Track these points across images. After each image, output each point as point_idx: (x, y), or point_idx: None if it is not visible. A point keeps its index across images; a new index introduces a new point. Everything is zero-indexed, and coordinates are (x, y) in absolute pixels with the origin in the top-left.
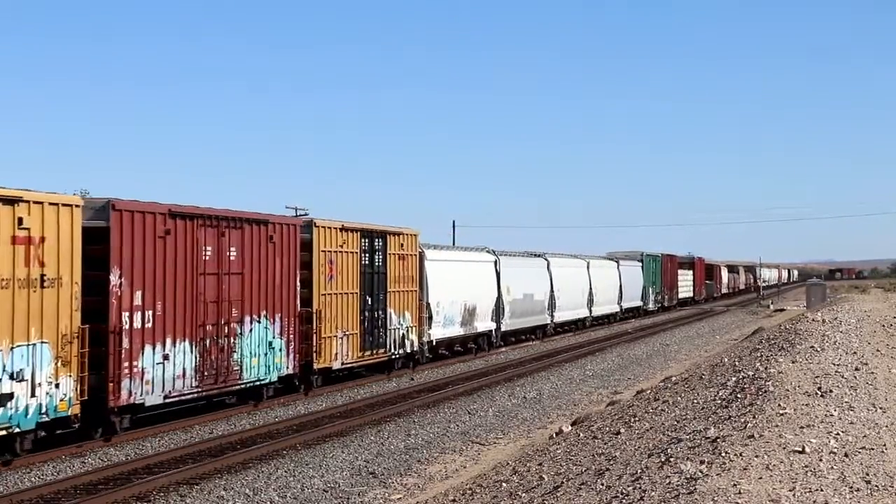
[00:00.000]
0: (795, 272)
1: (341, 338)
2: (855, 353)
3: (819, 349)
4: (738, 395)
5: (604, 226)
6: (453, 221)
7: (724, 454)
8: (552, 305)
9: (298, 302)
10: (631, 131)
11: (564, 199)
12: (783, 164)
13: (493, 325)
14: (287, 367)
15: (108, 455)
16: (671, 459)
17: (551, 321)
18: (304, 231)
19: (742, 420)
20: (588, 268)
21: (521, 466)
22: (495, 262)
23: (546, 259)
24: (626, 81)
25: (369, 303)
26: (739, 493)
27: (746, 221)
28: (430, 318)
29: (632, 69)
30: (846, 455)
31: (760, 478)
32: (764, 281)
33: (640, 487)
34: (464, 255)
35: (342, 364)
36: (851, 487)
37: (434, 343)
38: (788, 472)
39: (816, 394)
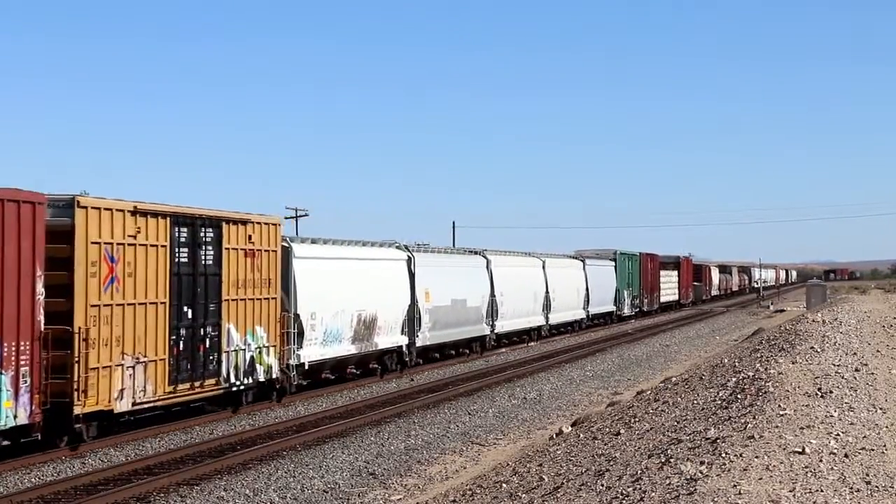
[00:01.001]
0: (794, 273)
1: (132, 367)
2: (855, 353)
3: (819, 350)
4: (739, 396)
5: (605, 226)
6: (453, 222)
7: (724, 455)
8: (492, 313)
9: (41, 317)
10: (631, 132)
11: (565, 200)
12: (783, 164)
13: (403, 340)
14: (16, 416)
15: (108, 455)
16: (671, 460)
17: (491, 332)
18: (59, 213)
19: (742, 421)
20: (544, 268)
21: (522, 467)
22: (409, 261)
23: (485, 257)
24: (627, 81)
25: (189, 316)
26: (739, 493)
27: (746, 222)
28: (301, 333)
29: (632, 70)
30: (846, 456)
31: (760, 478)
32: (764, 282)
33: (640, 488)
34: (357, 251)
35: (136, 404)
36: (851, 488)
37: (308, 366)
38: (788, 472)
39: (816, 395)
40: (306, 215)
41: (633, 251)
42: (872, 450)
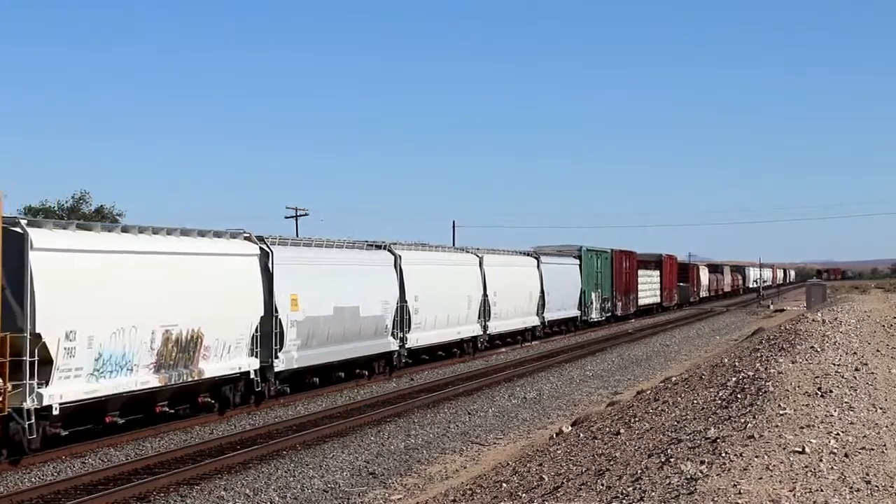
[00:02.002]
0: (792, 272)
1: None
2: (855, 353)
3: (819, 349)
4: (739, 396)
5: (606, 226)
6: (453, 222)
7: (724, 454)
8: (401, 323)
9: None
10: (631, 132)
11: (566, 200)
12: (783, 164)
13: (251, 364)
14: None
15: (108, 455)
16: (671, 460)
17: (402, 347)
18: None
19: (742, 420)
20: (481, 266)
21: (522, 467)
22: (264, 257)
23: (393, 252)
24: (627, 81)
25: None
26: (739, 493)
27: (745, 222)
28: (50, 362)
29: (632, 70)
30: (846, 455)
31: (760, 478)
32: (764, 282)
33: (640, 488)
34: (164, 242)
35: None
36: (851, 488)
37: (60, 410)
38: (788, 472)
39: (816, 394)
40: (306, 215)
41: (603, 247)
42: (872, 449)
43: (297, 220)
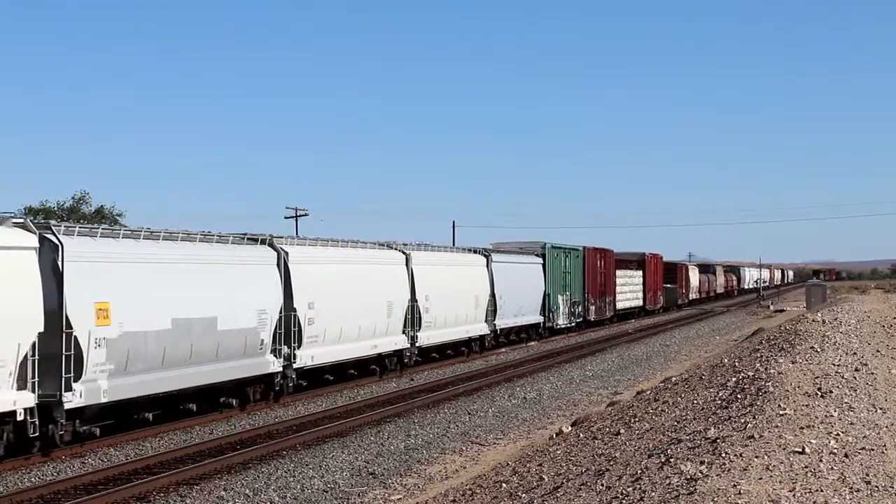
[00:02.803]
0: (791, 273)
1: None
2: (855, 353)
3: (819, 350)
4: (738, 396)
5: (607, 226)
6: (453, 222)
7: (724, 455)
8: (289, 336)
9: None
10: (631, 132)
11: (566, 200)
12: (783, 164)
13: (23, 400)
14: None
15: (107, 455)
16: (671, 460)
17: (289, 367)
18: None
19: (742, 421)
20: (408, 264)
21: (521, 467)
22: (52, 251)
23: (276, 248)
24: (627, 81)
25: None
26: (739, 493)
27: (745, 222)
28: None
29: (632, 70)
30: (846, 456)
31: (760, 478)
32: (763, 282)
33: (640, 488)
34: None
35: None
36: (851, 488)
37: None
38: (788, 472)
39: (816, 394)
40: (306, 215)
41: (573, 245)
42: (872, 450)
43: (296, 221)
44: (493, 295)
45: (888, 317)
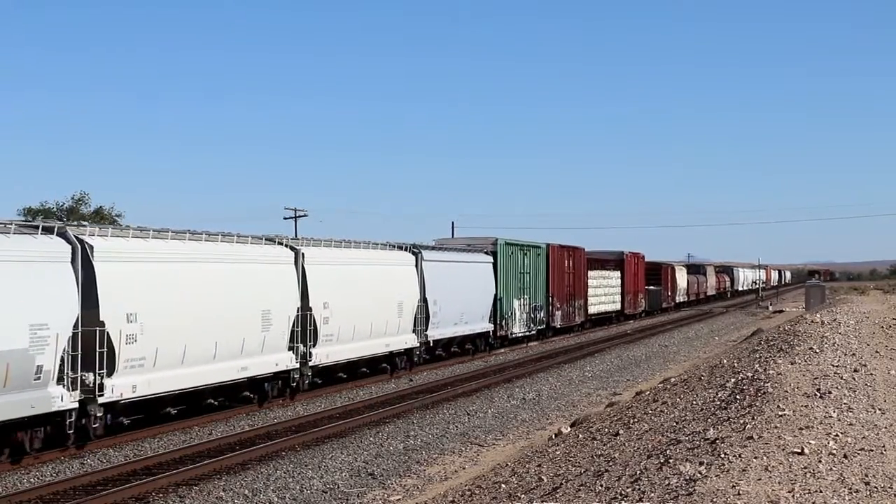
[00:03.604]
0: (788, 273)
1: None
2: (854, 354)
3: (818, 351)
4: (738, 397)
5: (609, 227)
6: (452, 222)
7: (723, 455)
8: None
9: None
10: (631, 132)
11: (566, 200)
12: (783, 164)
13: None
14: None
15: (107, 456)
16: (670, 461)
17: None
18: None
19: (741, 421)
20: (299, 263)
21: (520, 468)
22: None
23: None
24: (627, 81)
25: None
26: (738, 494)
27: (744, 223)
28: None
29: (632, 70)
30: (845, 456)
31: (759, 479)
32: (763, 283)
33: (639, 489)
34: None
35: None
36: (850, 489)
37: None
38: (787, 473)
39: (815, 395)
40: (305, 216)
41: (533, 242)
42: (871, 450)
43: (295, 221)
44: (423, 300)
45: (887, 317)
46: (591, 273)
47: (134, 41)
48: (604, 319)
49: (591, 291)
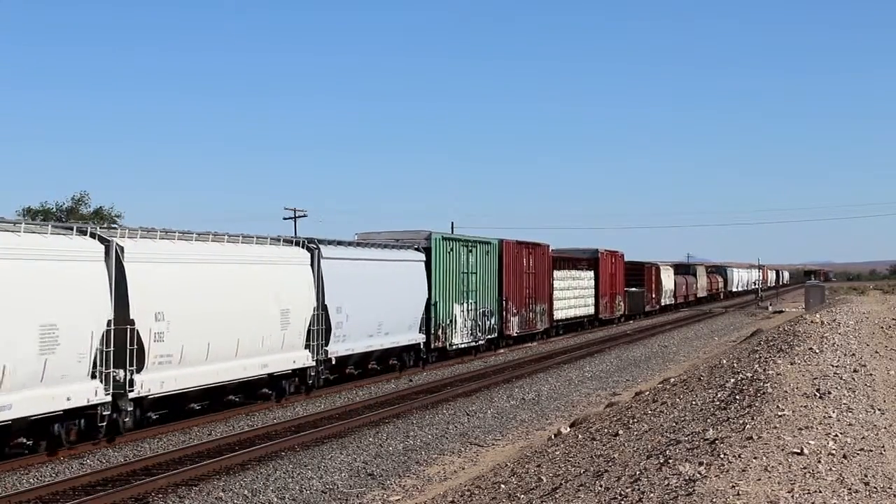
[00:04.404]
0: (786, 273)
1: None
2: (853, 354)
3: (818, 351)
4: (737, 397)
5: (612, 227)
6: (451, 223)
7: (722, 456)
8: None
9: None
10: (631, 132)
11: (568, 200)
12: (782, 164)
13: None
14: None
15: (106, 456)
16: (670, 461)
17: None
18: None
19: (741, 421)
20: (112, 261)
21: (520, 468)
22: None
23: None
24: (627, 81)
25: None
26: (738, 494)
27: (743, 223)
28: None
29: (632, 70)
30: (845, 457)
31: (759, 479)
32: (761, 283)
33: (638, 489)
34: None
35: None
36: (850, 489)
37: None
38: (787, 473)
39: (815, 395)
40: (304, 216)
41: (482, 237)
42: (871, 451)
43: (295, 222)
44: (323, 307)
45: (887, 318)
46: (557, 273)
47: (134, 41)
48: (575, 325)
49: (557, 294)
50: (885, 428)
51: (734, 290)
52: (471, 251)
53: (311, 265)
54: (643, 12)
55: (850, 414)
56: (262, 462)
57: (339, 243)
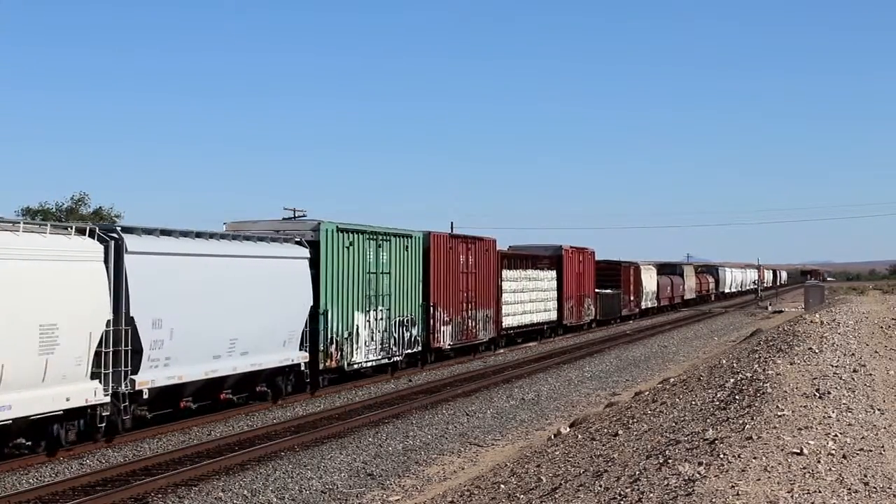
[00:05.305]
0: (784, 273)
1: None
2: (853, 354)
3: (817, 351)
4: (737, 397)
5: (612, 227)
6: (451, 223)
7: (722, 456)
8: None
9: None
10: (631, 132)
11: (568, 200)
12: (782, 164)
13: None
14: None
15: (105, 456)
16: (669, 461)
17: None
18: None
19: (740, 422)
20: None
21: (520, 468)
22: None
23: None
24: (627, 81)
25: None
26: (737, 494)
27: (743, 223)
28: None
29: (632, 70)
30: (844, 457)
31: (758, 479)
32: (763, 284)
33: (638, 489)
34: None
35: None
36: (849, 489)
37: None
38: (786, 473)
39: (815, 395)
40: (304, 215)
41: (400, 229)
42: (870, 451)
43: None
44: (128, 322)
45: (886, 318)
46: (508, 273)
47: (134, 41)
48: (532, 333)
49: (507, 297)
50: (884, 428)
51: (727, 291)
52: (381, 246)
53: (107, 262)
54: (643, 12)
55: (849, 414)
56: (262, 462)
57: (164, 233)
